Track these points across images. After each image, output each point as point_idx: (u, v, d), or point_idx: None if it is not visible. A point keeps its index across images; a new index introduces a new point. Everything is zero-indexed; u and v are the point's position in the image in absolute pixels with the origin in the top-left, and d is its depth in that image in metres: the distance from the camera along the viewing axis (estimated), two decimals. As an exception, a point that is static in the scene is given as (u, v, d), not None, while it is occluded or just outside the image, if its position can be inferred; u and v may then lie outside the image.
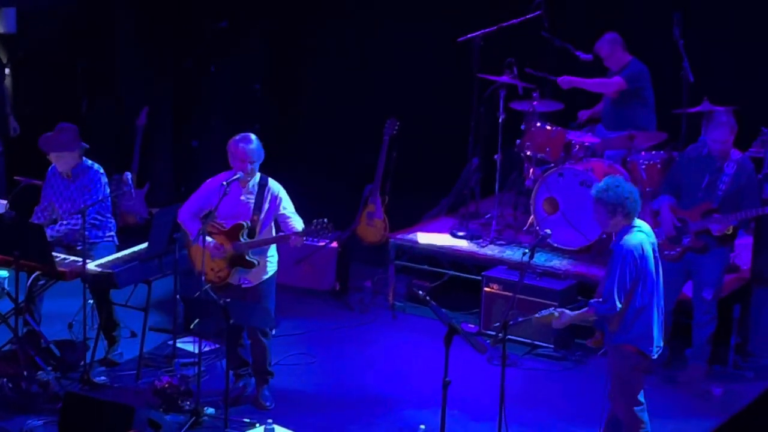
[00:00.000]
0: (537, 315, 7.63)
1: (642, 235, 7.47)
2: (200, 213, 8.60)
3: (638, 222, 7.52)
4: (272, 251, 8.74)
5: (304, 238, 8.56)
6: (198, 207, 8.63)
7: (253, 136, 8.59)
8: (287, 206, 8.61)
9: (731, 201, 9.05)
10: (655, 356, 7.61)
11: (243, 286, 8.60)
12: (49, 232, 9.11)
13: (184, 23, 12.72)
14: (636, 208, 7.48)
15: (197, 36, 12.78)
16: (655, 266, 7.50)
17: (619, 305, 7.36)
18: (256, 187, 8.59)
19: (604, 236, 10.23)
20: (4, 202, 9.73)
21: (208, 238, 8.52)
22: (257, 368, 8.80)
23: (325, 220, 8.43)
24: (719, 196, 9.07)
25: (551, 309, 7.60)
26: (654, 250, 7.52)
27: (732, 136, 9.03)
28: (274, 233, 8.69)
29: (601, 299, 7.45)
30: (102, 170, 9.34)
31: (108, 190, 9.37)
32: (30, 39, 12.28)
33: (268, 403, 8.72)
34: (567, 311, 7.57)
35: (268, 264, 8.70)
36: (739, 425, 4.94)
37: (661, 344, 7.62)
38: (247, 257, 8.53)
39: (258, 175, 8.62)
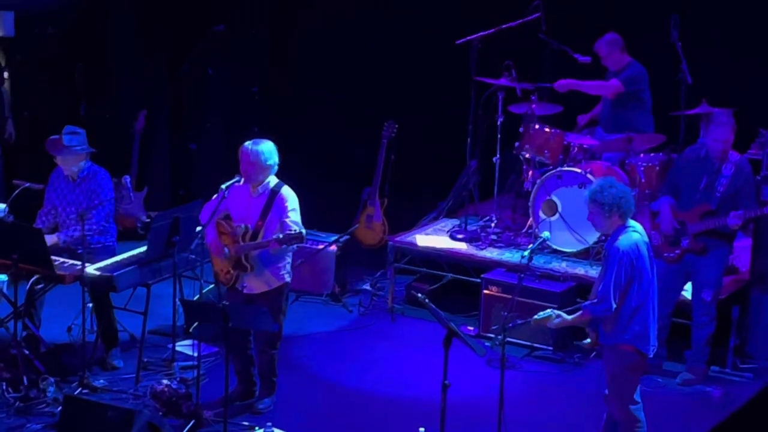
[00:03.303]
0: (535, 317, 7.64)
1: (636, 234, 7.49)
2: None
3: (631, 222, 7.54)
4: (282, 263, 8.56)
5: (283, 246, 8.32)
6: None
7: (264, 141, 8.52)
8: (290, 215, 8.47)
9: (729, 202, 9.05)
10: (651, 355, 7.62)
11: (244, 291, 8.58)
12: (62, 238, 9.13)
13: (181, 27, 12.72)
14: (630, 208, 7.50)
15: (195, 39, 12.78)
16: (650, 265, 7.52)
17: (614, 305, 7.37)
18: (267, 193, 8.55)
19: (603, 238, 10.24)
20: (3, 206, 9.71)
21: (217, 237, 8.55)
22: (262, 374, 8.79)
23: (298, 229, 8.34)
24: (717, 197, 9.07)
25: (549, 311, 7.61)
26: (648, 249, 7.54)
27: (732, 137, 9.04)
28: None
29: (595, 300, 7.46)
30: (108, 174, 9.34)
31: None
32: (28, 43, 12.27)
33: (264, 407, 8.70)
34: (564, 314, 7.58)
35: (273, 275, 8.55)
36: (735, 425, 4.94)
37: (656, 343, 7.65)
38: (242, 261, 8.51)
39: (274, 181, 8.56)
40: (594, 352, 7.79)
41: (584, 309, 7.52)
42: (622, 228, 7.49)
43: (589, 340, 7.65)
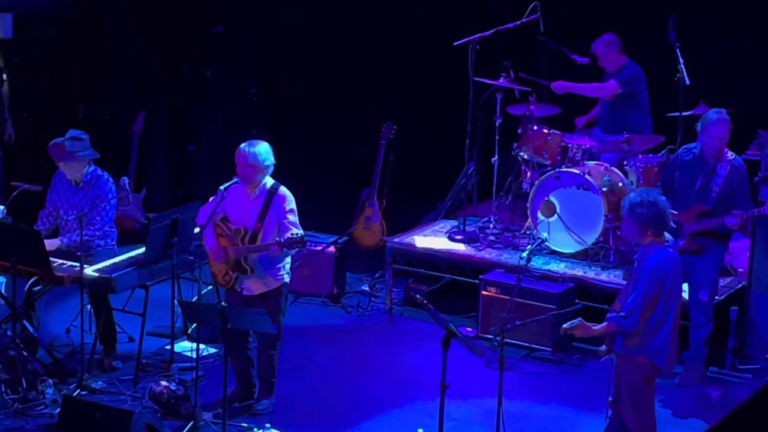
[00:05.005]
0: (564, 326, 7.57)
1: (670, 251, 7.41)
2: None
3: (667, 236, 7.46)
4: (281, 263, 8.59)
5: (284, 249, 8.38)
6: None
7: (259, 142, 8.54)
8: (289, 217, 8.48)
9: (725, 202, 9.04)
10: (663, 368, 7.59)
11: (243, 293, 8.58)
12: (65, 242, 9.12)
13: (180, 28, 12.73)
14: (667, 224, 7.41)
15: (194, 40, 12.78)
16: (678, 282, 7.46)
17: (640, 321, 7.33)
18: (265, 194, 8.55)
19: (601, 239, 10.25)
20: (1, 207, 9.71)
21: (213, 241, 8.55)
22: (261, 375, 8.79)
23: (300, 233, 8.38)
24: (713, 197, 9.06)
25: (578, 320, 7.54)
26: (679, 265, 7.48)
27: (728, 135, 9.03)
28: None
29: (623, 313, 7.38)
30: (111, 178, 9.32)
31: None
32: (27, 44, 12.28)
33: (263, 408, 8.70)
34: (590, 325, 7.52)
35: (272, 277, 8.57)
36: (733, 425, 4.94)
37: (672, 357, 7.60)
38: (242, 263, 8.51)
39: (270, 182, 8.57)
40: (604, 358, 7.72)
41: (610, 321, 7.43)
42: (657, 244, 7.39)
43: (604, 347, 7.61)
